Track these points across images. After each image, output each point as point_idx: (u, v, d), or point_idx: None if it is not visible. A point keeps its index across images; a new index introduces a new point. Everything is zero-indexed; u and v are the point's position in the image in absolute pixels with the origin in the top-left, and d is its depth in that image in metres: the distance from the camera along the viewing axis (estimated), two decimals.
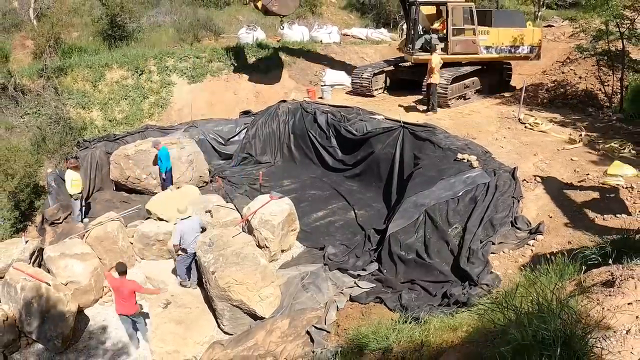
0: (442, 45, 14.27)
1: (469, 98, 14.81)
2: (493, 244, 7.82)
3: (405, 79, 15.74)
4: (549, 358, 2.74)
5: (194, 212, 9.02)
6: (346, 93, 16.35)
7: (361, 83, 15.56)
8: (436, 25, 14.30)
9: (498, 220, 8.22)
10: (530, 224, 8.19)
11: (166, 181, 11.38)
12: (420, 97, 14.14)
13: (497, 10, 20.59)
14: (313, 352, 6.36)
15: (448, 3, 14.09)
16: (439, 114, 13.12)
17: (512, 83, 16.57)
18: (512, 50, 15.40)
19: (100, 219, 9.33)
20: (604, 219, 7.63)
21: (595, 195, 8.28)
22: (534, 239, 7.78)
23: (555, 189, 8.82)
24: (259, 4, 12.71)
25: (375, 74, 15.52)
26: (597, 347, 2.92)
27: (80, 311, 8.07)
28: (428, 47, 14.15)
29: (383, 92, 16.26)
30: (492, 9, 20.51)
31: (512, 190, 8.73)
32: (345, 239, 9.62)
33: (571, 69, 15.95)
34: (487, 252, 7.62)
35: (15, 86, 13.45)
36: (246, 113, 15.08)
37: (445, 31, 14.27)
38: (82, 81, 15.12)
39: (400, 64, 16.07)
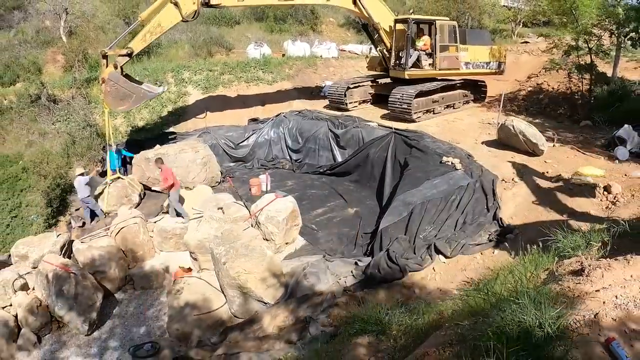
0: (430, 61, 13.79)
1: (438, 112, 14.07)
2: (475, 242, 7.80)
3: (383, 94, 14.77)
4: (526, 339, 2.74)
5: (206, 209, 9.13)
6: (323, 107, 15.41)
7: (336, 97, 14.74)
8: (420, 44, 13.73)
9: (478, 216, 8.21)
10: (504, 224, 8.16)
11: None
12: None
13: (470, 29, 20.22)
14: (310, 334, 6.35)
15: (436, 21, 13.70)
16: (426, 121, 13.08)
17: (492, 91, 16.40)
18: (485, 66, 15.18)
19: (123, 216, 9.32)
20: (575, 214, 7.63)
21: (567, 193, 8.27)
22: (510, 234, 7.77)
23: (530, 188, 8.80)
24: (101, 87, 10.89)
25: (349, 88, 14.74)
26: (568, 329, 2.92)
27: (105, 297, 8.07)
28: (418, 64, 13.70)
29: (360, 105, 15.36)
30: (465, 27, 19.92)
31: (491, 190, 8.72)
32: (343, 233, 9.61)
33: (545, 81, 15.96)
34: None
35: (48, 96, 13.47)
36: (254, 120, 15.08)
37: (430, 49, 13.76)
38: None
39: (378, 80, 15.47)
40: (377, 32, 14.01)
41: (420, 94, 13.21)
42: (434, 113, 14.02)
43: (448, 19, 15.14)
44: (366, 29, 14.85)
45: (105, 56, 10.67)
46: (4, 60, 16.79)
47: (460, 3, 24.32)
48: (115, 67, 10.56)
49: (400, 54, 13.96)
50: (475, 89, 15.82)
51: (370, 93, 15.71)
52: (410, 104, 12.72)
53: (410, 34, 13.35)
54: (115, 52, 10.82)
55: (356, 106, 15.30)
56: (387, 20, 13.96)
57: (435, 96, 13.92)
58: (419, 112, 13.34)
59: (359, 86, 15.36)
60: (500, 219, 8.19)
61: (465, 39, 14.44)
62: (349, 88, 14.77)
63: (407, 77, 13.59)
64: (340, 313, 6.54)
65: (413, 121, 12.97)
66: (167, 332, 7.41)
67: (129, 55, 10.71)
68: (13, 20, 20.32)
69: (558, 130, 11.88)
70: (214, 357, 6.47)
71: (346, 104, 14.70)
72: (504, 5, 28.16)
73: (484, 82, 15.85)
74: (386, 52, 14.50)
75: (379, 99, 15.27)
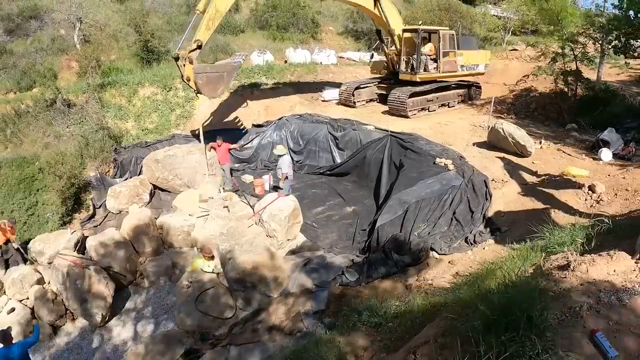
0: (435, 65, 14.62)
1: (433, 110, 15.02)
2: (466, 239, 7.79)
3: (384, 94, 15.86)
4: (514, 330, 2.73)
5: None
6: (336, 104, 16.56)
7: (345, 96, 15.95)
8: (426, 50, 14.51)
9: (469, 214, 8.20)
10: (494, 222, 8.15)
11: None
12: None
13: (461, 35, 20.64)
14: (310, 326, 6.35)
15: (440, 30, 14.61)
16: (420, 124, 13.07)
17: (483, 95, 16.75)
18: (474, 68, 16.11)
19: (134, 213, 9.32)
20: (561, 212, 7.62)
21: (554, 192, 8.27)
22: (498, 232, 7.76)
23: (519, 187, 8.80)
24: (192, 84, 10.62)
25: (356, 89, 15.80)
26: (554, 321, 2.92)
27: (117, 291, 8.07)
28: (426, 68, 14.47)
29: (367, 103, 16.35)
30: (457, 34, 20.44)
31: (481, 190, 8.71)
32: (341, 230, 9.60)
33: (533, 86, 15.95)
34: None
35: (63, 101, 13.44)
36: (259, 127, 14.94)
37: (435, 54, 14.58)
38: (119, 96, 15.13)
39: (383, 82, 16.25)
40: (392, 37, 14.77)
41: (415, 94, 14.25)
42: (429, 111, 14.96)
43: (448, 28, 16.08)
44: (379, 34, 15.81)
45: (177, 58, 10.21)
46: (21, 66, 16.78)
47: (452, 12, 24.35)
48: (191, 62, 10.22)
49: (410, 59, 14.70)
50: (470, 90, 16.68)
51: (376, 93, 16.59)
52: (405, 102, 13.78)
53: (420, 42, 14.13)
54: (185, 51, 10.29)
55: (364, 104, 16.24)
56: (398, 28, 14.68)
57: (430, 96, 14.89)
58: (414, 109, 14.34)
59: (366, 87, 16.34)
60: (490, 217, 8.19)
61: (458, 45, 15.13)
62: (357, 88, 15.81)
63: (418, 79, 14.33)
64: (339, 305, 6.54)
65: (407, 117, 13.96)
66: (176, 325, 7.41)
67: (199, 47, 10.34)
68: (30, 29, 20.27)
69: (545, 132, 11.87)
70: (220, 349, 6.48)
71: (354, 102, 15.79)
72: (494, 15, 28.16)
73: (479, 83, 16.94)
74: (395, 57, 15.19)
75: (382, 98, 16.12)
